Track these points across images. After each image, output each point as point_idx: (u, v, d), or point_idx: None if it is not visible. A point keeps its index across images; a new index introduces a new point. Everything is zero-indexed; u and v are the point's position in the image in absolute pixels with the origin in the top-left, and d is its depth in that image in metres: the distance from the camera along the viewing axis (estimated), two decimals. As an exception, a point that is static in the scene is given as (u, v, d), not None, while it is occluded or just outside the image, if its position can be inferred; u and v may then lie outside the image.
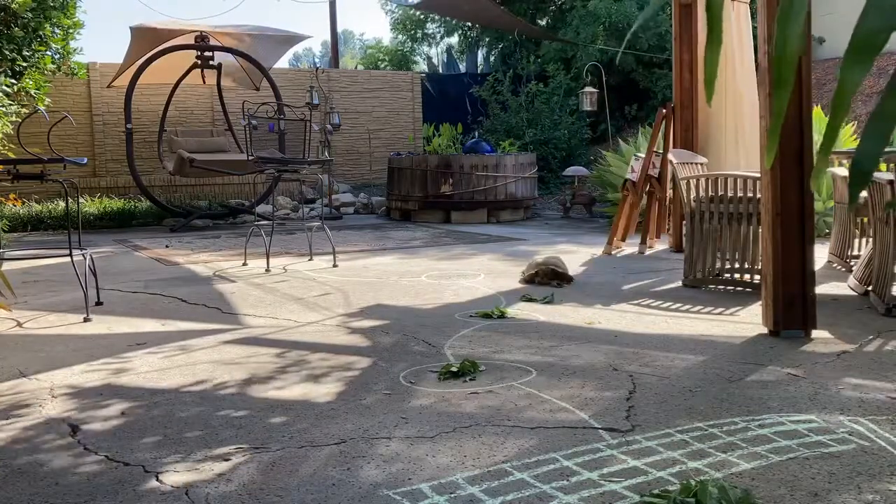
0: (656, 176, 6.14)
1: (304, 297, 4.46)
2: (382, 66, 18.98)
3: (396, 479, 1.94)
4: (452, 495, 1.84)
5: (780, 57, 0.78)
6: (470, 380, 2.76)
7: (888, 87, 0.75)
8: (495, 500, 1.81)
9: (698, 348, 3.16)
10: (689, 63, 5.97)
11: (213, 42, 9.34)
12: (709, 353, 3.08)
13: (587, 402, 2.50)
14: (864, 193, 4.26)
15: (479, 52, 17.07)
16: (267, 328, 3.71)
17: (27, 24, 6.66)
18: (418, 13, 17.92)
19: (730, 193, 4.34)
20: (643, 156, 6.13)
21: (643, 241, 6.14)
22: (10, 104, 6.62)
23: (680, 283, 4.62)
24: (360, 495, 1.85)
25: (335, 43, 16.67)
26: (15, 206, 9.08)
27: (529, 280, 4.76)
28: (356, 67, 21.73)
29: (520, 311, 3.98)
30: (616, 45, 12.23)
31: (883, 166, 4.39)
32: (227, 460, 2.07)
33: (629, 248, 6.22)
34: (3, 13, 6.40)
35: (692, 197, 4.52)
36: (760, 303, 3.53)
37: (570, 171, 9.88)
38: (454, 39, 18.19)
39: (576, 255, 5.93)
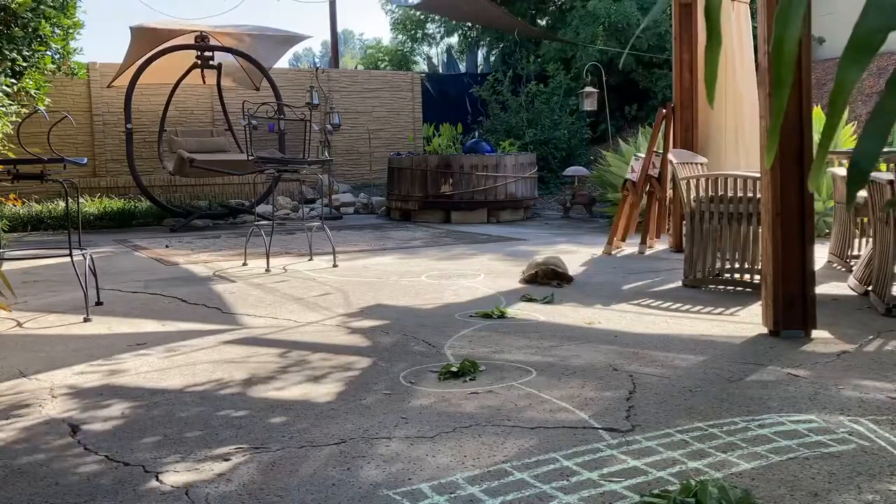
0: (656, 176, 6.14)
1: (304, 297, 4.46)
2: (382, 66, 18.98)
3: (396, 479, 1.94)
4: (452, 495, 1.84)
5: (778, 57, 0.79)
6: (470, 380, 2.76)
7: (887, 86, 0.75)
8: (495, 500, 1.81)
9: (698, 348, 3.16)
10: (689, 63, 5.98)
11: (213, 42, 9.35)
12: (709, 353, 3.08)
13: (587, 402, 2.50)
14: (863, 193, 4.26)
15: (479, 52, 17.07)
16: (267, 328, 3.71)
17: (27, 24, 6.66)
18: (418, 13, 17.91)
19: (730, 193, 4.34)
20: (643, 156, 6.13)
21: (643, 241, 6.14)
22: (10, 104, 6.63)
23: (680, 283, 4.62)
24: (360, 495, 1.85)
25: (335, 43, 16.67)
26: (15, 206, 9.08)
27: (529, 280, 4.76)
28: (356, 67, 21.73)
29: (520, 311, 3.98)
30: (616, 45, 12.23)
31: (883, 166, 4.39)
32: (227, 460, 2.07)
33: (629, 248, 6.22)
34: (2, 13, 6.40)
35: (692, 197, 4.52)
36: (760, 303, 3.53)
37: (570, 171, 9.88)
38: (454, 39, 18.19)
39: (576, 255, 5.94)
